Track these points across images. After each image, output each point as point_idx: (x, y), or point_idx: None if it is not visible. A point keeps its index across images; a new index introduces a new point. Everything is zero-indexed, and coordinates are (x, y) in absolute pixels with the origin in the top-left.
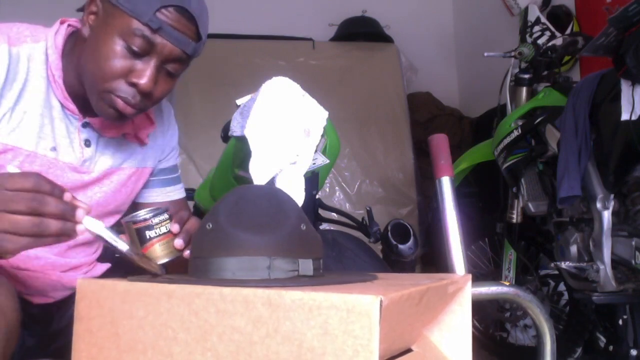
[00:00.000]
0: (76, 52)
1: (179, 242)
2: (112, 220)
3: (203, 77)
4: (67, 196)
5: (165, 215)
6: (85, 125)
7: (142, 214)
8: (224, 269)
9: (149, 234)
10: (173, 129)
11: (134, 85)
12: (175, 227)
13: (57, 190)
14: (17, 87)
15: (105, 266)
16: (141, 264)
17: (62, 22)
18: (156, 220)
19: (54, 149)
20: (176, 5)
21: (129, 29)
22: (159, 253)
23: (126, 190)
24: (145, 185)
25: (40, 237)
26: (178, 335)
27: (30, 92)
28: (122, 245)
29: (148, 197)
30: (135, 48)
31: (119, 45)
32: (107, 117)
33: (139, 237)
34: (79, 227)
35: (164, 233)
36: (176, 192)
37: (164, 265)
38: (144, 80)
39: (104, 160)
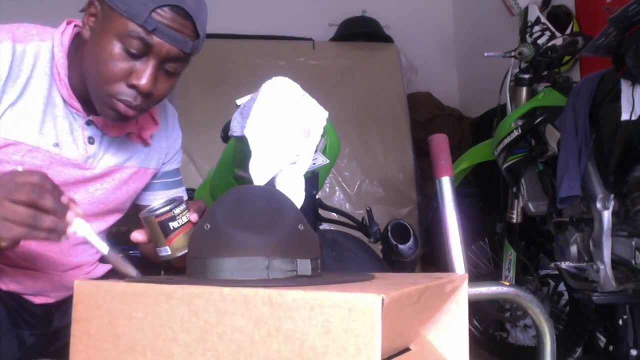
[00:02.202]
0: (79, 53)
1: None
2: (113, 218)
3: (203, 77)
4: (64, 198)
5: (184, 206)
6: (89, 123)
7: (161, 206)
8: (223, 269)
9: (172, 225)
10: (177, 133)
11: (134, 87)
12: (194, 217)
13: (56, 191)
14: (21, 83)
15: (107, 267)
16: (119, 267)
17: (68, 23)
18: (177, 211)
19: (56, 144)
20: (171, 5)
21: (126, 31)
22: (183, 242)
23: (127, 189)
24: (148, 188)
25: (32, 229)
26: (178, 336)
27: (33, 88)
28: (104, 248)
29: (151, 200)
30: (132, 50)
31: (117, 48)
32: (110, 119)
33: (162, 230)
34: (69, 229)
35: (185, 223)
36: (179, 196)
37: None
38: (143, 81)
39: (108, 158)
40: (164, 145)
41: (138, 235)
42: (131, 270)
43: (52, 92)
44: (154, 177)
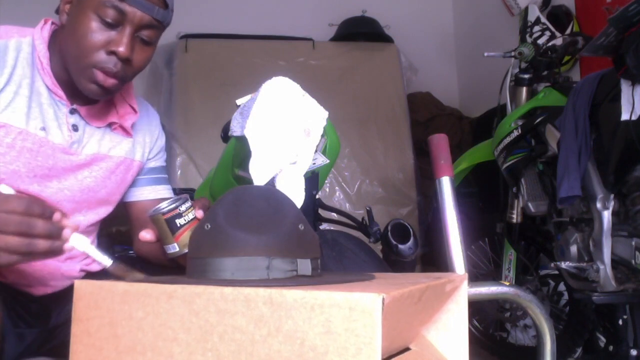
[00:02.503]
0: (58, 42)
1: None
2: (104, 210)
3: (203, 77)
4: (56, 216)
5: (190, 203)
6: (72, 111)
7: (167, 204)
8: (223, 269)
9: (179, 222)
10: (160, 132)
11: (113, 53)
12: (200, 213)
13: (47, 212)
14: (7, 72)
15: None
16: (125, 278)
17: (45, 21)
18: (183, 208)
19: (43, 129)
20: None
21: (100, 2)
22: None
23: (116, 179)
24: (135, 184)
25: (27, 255)
26: (178, 336)
27: (18, 77)
28: (106, 261)
29: (140, 195)
30: (108, 19)
31: (93, 21)
32: (91, 93)
33: (169, 227)
34: (66, 245)
35: (192, 219)
36: (166, 192)
37: None
38: (122, 48)
39: (92, 144)
40: (147, 140)
41: (146, 235)
42: (138, 277)
43: (36, 82)
44: (140, 172)
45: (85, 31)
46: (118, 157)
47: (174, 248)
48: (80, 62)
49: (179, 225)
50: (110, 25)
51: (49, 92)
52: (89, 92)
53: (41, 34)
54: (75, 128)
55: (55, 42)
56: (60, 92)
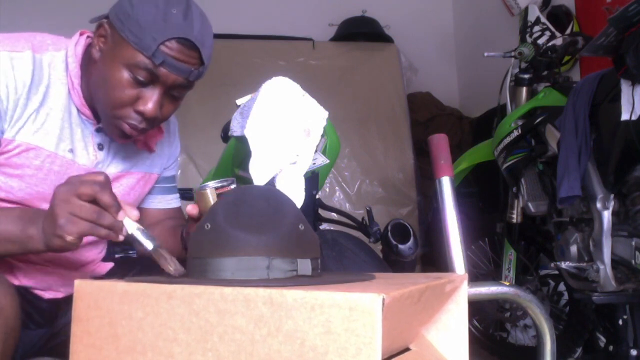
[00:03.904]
0: (90, 67)
1: None
2: None
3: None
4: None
5: (236, 184)
6: (98, 130)
7: (218, 181)
8: (223, 269)
9: None
10: (177, 141)
11: (140, 112)
12: None
13: (112, 191)
14: (42, 90)
15: (109, 265)
16: (163, 263)
17: (81, 34)
18: (233, 186)
19: (71, 150)
20: (179, 37)
21: (134, 61)
22: None
23: (135, 194)
24: (149, 191)
25: (95, 226)
26: (178, 336)
27: (52, 96)
28: (148, 244)
29: (151, 203)
30: (140, 78)
31: (125, 75)
32: (115, 137)
33: None
34: (124, 229)
35: None
36: (174, 201)
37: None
38: (149, 108)
39: (116, 164)
40: (166, 152)
41: (193, 210)
42: (175, 265)
43: (69, 101)
44: (155, 181)
45: (115, 84)
46: (139, 173)
47: None
48: (107, 112)
49: None
50: (141, 83)
51: (77, 111)
52: (113, 136)
53: (75, 50)
54: (100, 147)
55: (89, 63)
56: (88, 112)
